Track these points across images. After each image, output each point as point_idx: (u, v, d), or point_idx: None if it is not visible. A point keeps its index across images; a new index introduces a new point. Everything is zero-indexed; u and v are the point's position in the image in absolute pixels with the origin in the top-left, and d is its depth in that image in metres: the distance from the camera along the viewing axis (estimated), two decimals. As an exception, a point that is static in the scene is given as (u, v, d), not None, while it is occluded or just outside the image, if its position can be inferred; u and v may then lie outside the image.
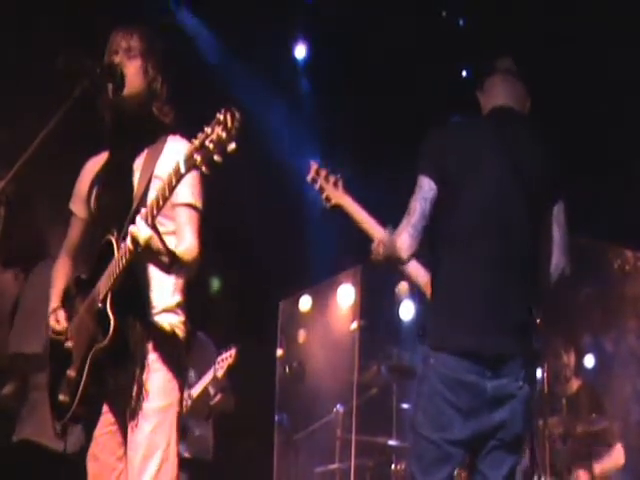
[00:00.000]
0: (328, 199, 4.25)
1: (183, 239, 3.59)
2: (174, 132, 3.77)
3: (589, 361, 8.22)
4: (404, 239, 3.67)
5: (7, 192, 3.38)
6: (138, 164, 3.69)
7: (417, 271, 4.09)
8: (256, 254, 8.28)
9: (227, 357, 6.23)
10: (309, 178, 4.31)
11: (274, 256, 8.22)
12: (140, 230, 3.26)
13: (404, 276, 4.19)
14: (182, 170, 3.12)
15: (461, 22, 8.26)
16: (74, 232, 3.95)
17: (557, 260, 3.84)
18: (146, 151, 3.71)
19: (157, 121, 3.74)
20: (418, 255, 3.86)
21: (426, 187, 3.69)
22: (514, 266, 3.69)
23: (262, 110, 7.74)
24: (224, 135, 2.96)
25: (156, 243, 3.33)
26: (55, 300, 3.84)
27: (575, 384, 6.96)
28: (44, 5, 6.62)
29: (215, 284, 8.97)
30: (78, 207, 3.91)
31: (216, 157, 2.99)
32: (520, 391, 3.63)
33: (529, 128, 3.95)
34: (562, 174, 3.90)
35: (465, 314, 3.64)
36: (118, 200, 3.65)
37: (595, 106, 7.13)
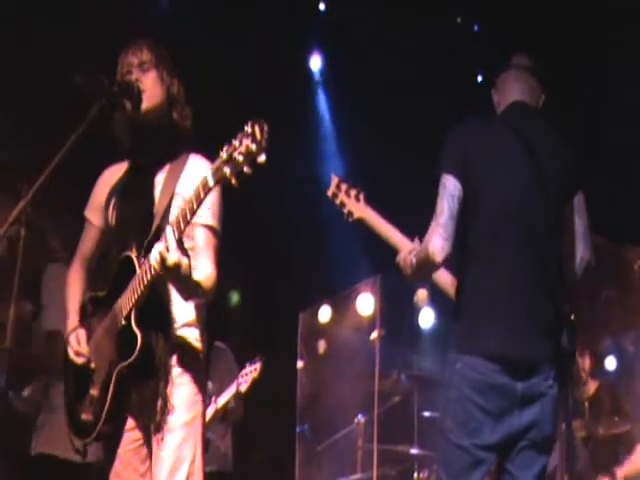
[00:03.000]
0: (350, 214, 4.13)
1: (201, 265, 3.57)
2: (196, 151, 3.77)
3: (610, 363, 8.18)
4: (436, 242, 3.57)
5: (27, 212, 3.40)
6: (159, 179, 3.70)
7: (443, 276, 4.01)
8: (275, 266, 8.29)
9: (252, 371, 6.15)
10: (330, 193, 4.19)
11: (293, 267, 8.23)
12: (169, 252, 3.24)
13: (431, 283, 4.10)
14: (210, 183, 3.10)
15: (476, 27, 8.27)
16: (88, 240, 3.93)
17: (582, 253, 3.82)
18: (168, 167, 3.71)
19: (178, 127, 3.75)
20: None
21: (451, 186, 3.63)
22: (541, 265, 3.66)
23: (278, 122, 7.76)
24: (254, 147, 2.95)
25: (184, 269, 3.31)
26: (73, 318, 3.82)
27: (592, 386, 6.93)
28: (58, 22, 6.68)
29: (234, 296, 8.99)
30: (93, 215, 3.89)
31: (246, 169, 2.97)
32: (550, 390, 3.58)
33: (545, 121, 3.94)
34: (580, 165, 3.88)
35: (493, 317, 3.58)
36: (138, 214, 3.65)
37: (610, 103, 7.13)
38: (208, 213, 3.61)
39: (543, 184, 3.74)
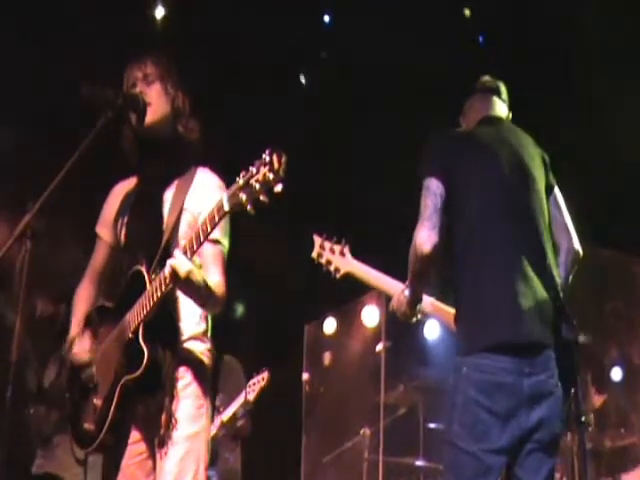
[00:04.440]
0: (337, 270, 4.21)
1: (209, 277, 3.57)
2: (204, 164, 3.80)
3: (616, 374, 8.17)
4: (422, 234, 3.57)
5: (33, 225, 3.41)
6: (168, 195, 3.71)
7: (425, 301, 4.00)
8: (280, 278, 8.28)
9: (259, 380, 6.23)
10: (314, 254, 4.27)
11: (298, 279, 8.22)
12: (181, 264, 3.27)
13: (429, 318, 4.12)
14: (226, 207, 3.11)
15: (481, 39, 8.28)
16: (99, 256, 3.94)
17: (566, 245, 3.86)
18: (176, 182, 3.72)
19: (184, 140, 3.76)
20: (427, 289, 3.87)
21: (433, 186, 3.65)
22: (535, 259, 3.65)
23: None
24: (271, 176, 2.96)
25: (196, 277, 3.35)
26: (75, 327, 3.83)
27: (598, 400, 6.92)
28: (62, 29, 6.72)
29: (239, 308, 8.99)
30: (104, 231, 3.90)
31: (262, 197, 2.99)
32: (556, 389, 3.56)
33: (516, 127, 3.99)
34: (551, 161, 3.94)
35: (492, 310, 3.56)
36: (148, 230, 3.66)
37: (619, 114, 7.15)
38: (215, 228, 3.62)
39: (527, 182, 3.78)
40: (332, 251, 4.23)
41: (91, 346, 3.72)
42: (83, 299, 3.92)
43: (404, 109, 7.76)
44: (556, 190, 3.92)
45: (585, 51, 7.22)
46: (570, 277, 3.88)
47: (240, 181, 3.04)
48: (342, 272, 4.20)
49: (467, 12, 8.20)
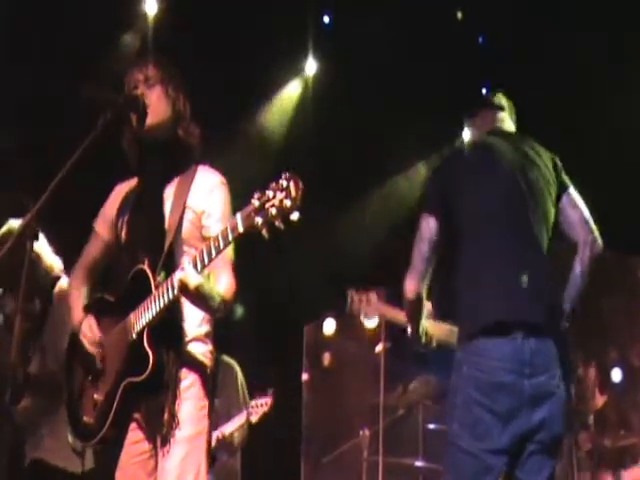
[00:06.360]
0: (366, 315, 4.71)
1: (219, 278, 3.59)
2: (204, 162, 3.80)
3: (616, 375, 8.16)
4: (408, 283, 3.75)
5: (33, 225, 3.41)
6: (169, 193, 3.71)
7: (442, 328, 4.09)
8: (279, 278, 8.28)
9: (262, 404, 6.14)
10: (348, 310, 4.70)
11: (297, 279, 8.22)
12: (190, 277, 3.29)
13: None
14: (240, 229, 3.11)
15: (480, 39, 8.28)
16: (94, 250, 3.92)
17: (583, 237, 3.84)
18: (177, 180, 3.73)
19: (184, 144, 3.76)
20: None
21: (425, 229, 3.72)
22: (532, 271, 3.65)
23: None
24: (288, 203, 2.96)
25: (205, 289, 3.38)
26: (78, 312, 3.83)
27: (600, 400, 6.93)
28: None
29: (239, 309, 8.98)
30: (102, 227, 3.89)
31: (277, 223, 2.99)
32: (558, 390, 3.56)
33: (519, 135, 4.04)
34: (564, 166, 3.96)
35: (495, 297, 3.60)
36: (149, 228, 3.66)
37: (618, 113, 7.17)
38: (219, 226, 3.61)
39: (532, 199, 3.77)
40: (361, 301, 4.65)
41: (100, 336, 3.70)
42: (79, 292, 3.90)
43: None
44: (571, 190, 3.91)
45: (587, 52, 7.23)
46: (587, 275, 3.85)
47: (255, 203, 3.03)
48: (371, 316, 4.80)
49: (459, 14, 8.20)
